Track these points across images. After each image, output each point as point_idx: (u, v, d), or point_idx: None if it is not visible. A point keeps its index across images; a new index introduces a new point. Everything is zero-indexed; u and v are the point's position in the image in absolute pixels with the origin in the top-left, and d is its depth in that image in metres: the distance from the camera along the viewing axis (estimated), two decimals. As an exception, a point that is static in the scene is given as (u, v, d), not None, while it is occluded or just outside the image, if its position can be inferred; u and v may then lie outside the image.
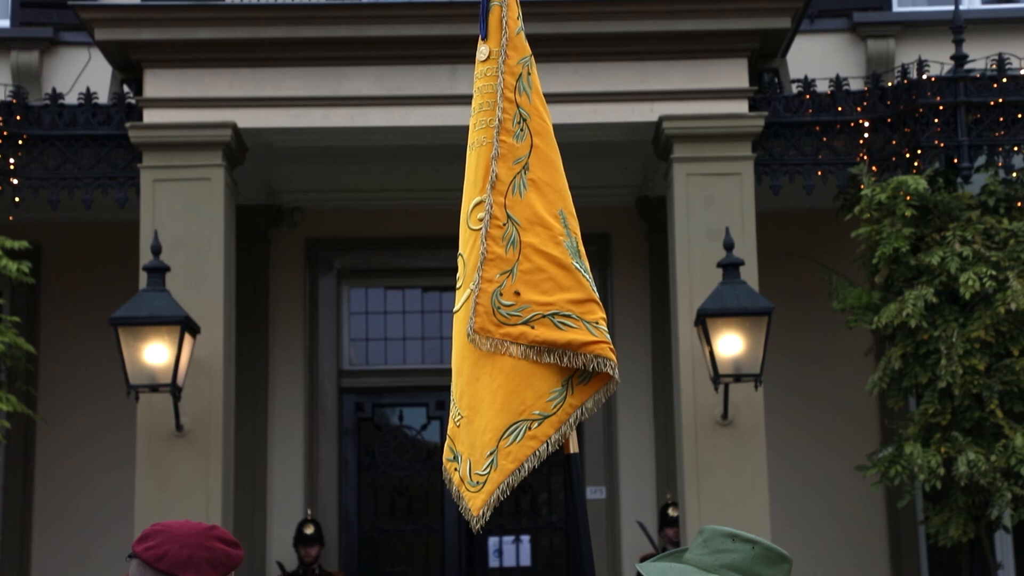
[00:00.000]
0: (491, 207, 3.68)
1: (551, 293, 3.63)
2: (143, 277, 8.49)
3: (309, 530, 10.20)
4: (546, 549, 11.10)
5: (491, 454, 3.61)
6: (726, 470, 8.60)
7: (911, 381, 8.64)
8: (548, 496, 11.14)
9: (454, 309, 3.78)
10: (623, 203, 10.80)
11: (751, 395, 8.59)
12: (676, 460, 9.22)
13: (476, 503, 3.62)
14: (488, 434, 3.62)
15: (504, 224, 3.67)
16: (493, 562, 11.00)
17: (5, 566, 10.24)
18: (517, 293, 3.63)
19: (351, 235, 11.00)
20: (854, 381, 9.85)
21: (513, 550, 10.98)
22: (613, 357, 3.65)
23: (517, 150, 3.73)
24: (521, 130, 3.74)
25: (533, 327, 3.61)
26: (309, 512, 10.40)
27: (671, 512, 9.93)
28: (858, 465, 9.17)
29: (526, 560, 11.00)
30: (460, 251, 3.77)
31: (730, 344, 8.38)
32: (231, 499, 8.84)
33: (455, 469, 3.72)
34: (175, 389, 8.30)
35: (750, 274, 8.67)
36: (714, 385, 8.49)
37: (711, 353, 8.39)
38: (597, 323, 3.66)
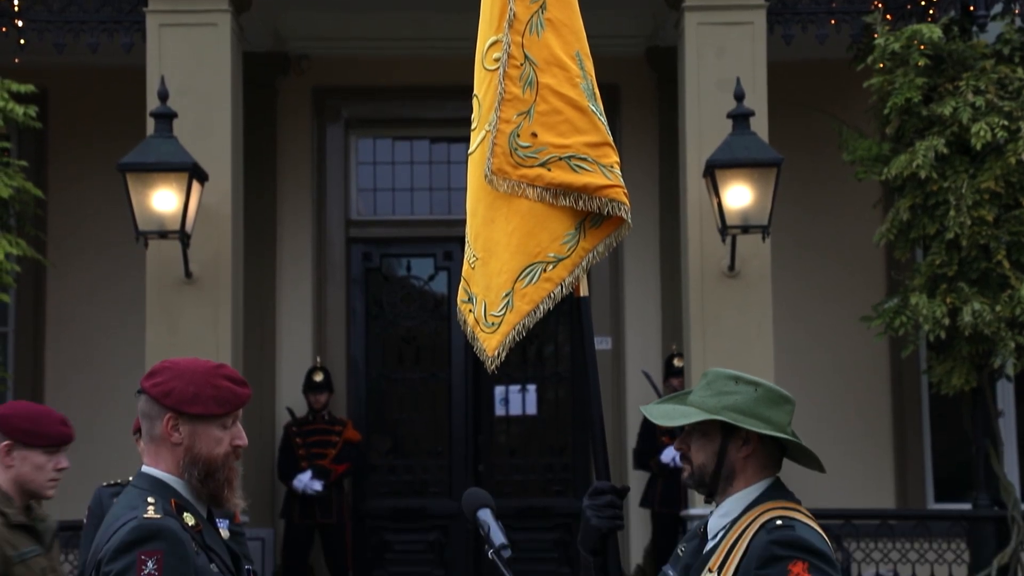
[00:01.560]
0: (508, 46, 3.62)
1: (567, 135, 3.60)
2: (150, 123, 8.46)
3: (318, 377, 10.32)
4: (552, 400, 11.22)
5: (506, 295, 3.62)
6: (732, 321, 8.65)
7: (919, 232, 8.65)
8: (555, 348, 11.22)
9: (469, 151, 3.75)
10: (633, 53, 10.67)
11: (758, 246, 8.61)
12: (682, 311, 9.28)
13: (491, 344, 3.64)
14: (503, 276, 3.62)
15: (521, 64, 3.62)
16: (499, 410, 11.14)
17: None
18: (534, 135, 3.60)
19: (359, 84, 10.91)
20: (862, 233, 9.85)
21: (519, 399, 11.10)
22: (627, 201, 3.64)
23: (534, -13, 3.67)
24: (538, -34, 3.68)
25: (550, 169, 3.59)
26: (318, 360, 10.50)
27: (676, 362, 10.01)
28: (863, 316, 9.23)
29: (532, 409, 11.13)
30: (475, 92, 3.73)
31: (738, 195, 8.36)
32: (240, 345, 8.93)
33: (470, 311, 3.72)
34: (184, 236, 8.32)
35: (760, 125, 8.62)
36: (721, 236, 8.50)
37: (719, 204, 8.38)
38: (612, 167, 3.64)
